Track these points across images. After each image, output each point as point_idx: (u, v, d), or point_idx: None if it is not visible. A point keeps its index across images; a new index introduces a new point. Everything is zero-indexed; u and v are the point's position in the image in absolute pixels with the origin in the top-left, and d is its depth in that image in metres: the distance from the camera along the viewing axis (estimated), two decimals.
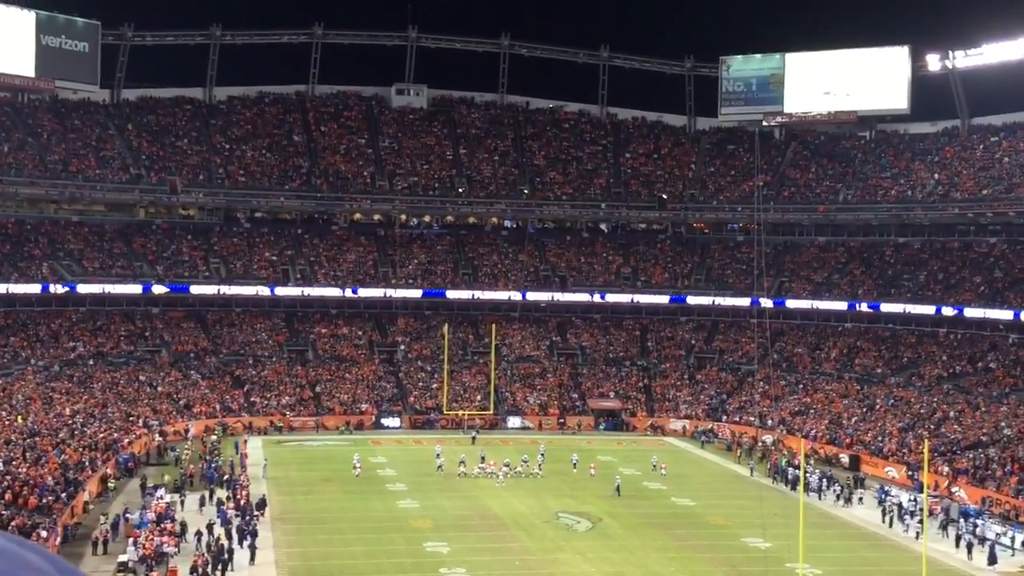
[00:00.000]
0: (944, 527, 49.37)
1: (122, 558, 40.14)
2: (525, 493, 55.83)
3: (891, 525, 50.88)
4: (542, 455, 62.78)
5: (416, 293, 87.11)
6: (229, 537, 43.29)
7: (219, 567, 39.67)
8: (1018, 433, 60.53)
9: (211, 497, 51.15)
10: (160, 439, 64.64)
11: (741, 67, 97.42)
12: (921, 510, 47.15)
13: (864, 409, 71.66)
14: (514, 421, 78.30)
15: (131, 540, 41.64)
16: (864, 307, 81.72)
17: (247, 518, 45.76)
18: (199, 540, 42.58)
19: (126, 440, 59.93)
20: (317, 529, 47.84)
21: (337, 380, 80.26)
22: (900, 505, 52.66)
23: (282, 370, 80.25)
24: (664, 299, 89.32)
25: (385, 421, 76.45)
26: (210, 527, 44.95)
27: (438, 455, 61.96)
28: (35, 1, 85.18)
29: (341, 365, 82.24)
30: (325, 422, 75.05)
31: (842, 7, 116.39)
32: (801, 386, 78.55)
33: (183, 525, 44.54)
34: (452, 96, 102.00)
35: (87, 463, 52.03)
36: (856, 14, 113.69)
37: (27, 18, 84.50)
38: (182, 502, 49.76)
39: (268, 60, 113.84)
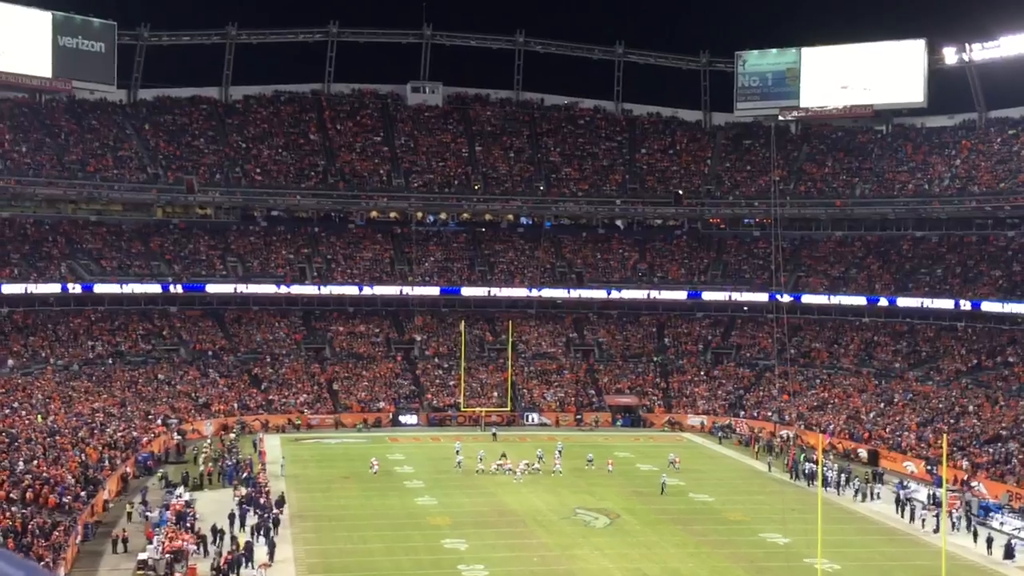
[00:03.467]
0: (968, 522, 49.18)
1: (142, 556, 40.37)
2: (543, 489, 55.86)
3: (912, 520, 50.70)
4: (559, 452, 62.79)
5: (433, 290, 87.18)
6: (253, 533, 43.62)
7: (237, 566, 39.85)
8: None
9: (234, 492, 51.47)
10: (179, 437, 64.88)
11: (757, 62, 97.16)
12: (940, 504, 47.04)
13: (882, 404, 71.45)
14: (532, 418, 78.33)
15: (153, 538, 41.87)
16: (882, 302, 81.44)
17: (266, 515, 45.96)
18: (220, 538, 42.74)
19: (145, 439, 60.20)
20: (336, 526, 47.98)
21: (354, 378, 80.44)
22: (898, 493, 52.54)
23: (300, 368, 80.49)
24: (681, 295, 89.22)
25: (403, 418, 76.57)
26: (231, 517, 45.39)
27: (458, 451, 62.06)
28: (52, 2, 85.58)
29: (358, 363, 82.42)
30: (343, 420, 75.25)
31: (859, 1, 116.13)
32: (819, 381, 78.37)
33: (198, 528, 44.69)
34: (467, 93, 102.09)
35: (107, 462, 52.30)
36: (872, 8, 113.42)
37: (44, 19, 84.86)
38: (187, 500, 49.87)
39: (284, 59, 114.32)
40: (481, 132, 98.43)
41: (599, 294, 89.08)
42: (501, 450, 62.70)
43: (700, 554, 44.40)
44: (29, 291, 75.42)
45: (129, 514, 48.12)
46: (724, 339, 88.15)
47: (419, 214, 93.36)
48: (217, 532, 43.33)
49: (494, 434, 71.04)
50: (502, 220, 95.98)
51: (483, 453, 61.13)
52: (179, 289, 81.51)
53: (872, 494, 55.55)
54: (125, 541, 42.92)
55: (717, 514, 51.88)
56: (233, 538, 42.80)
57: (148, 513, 46.83)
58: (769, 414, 75.34)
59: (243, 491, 50.50)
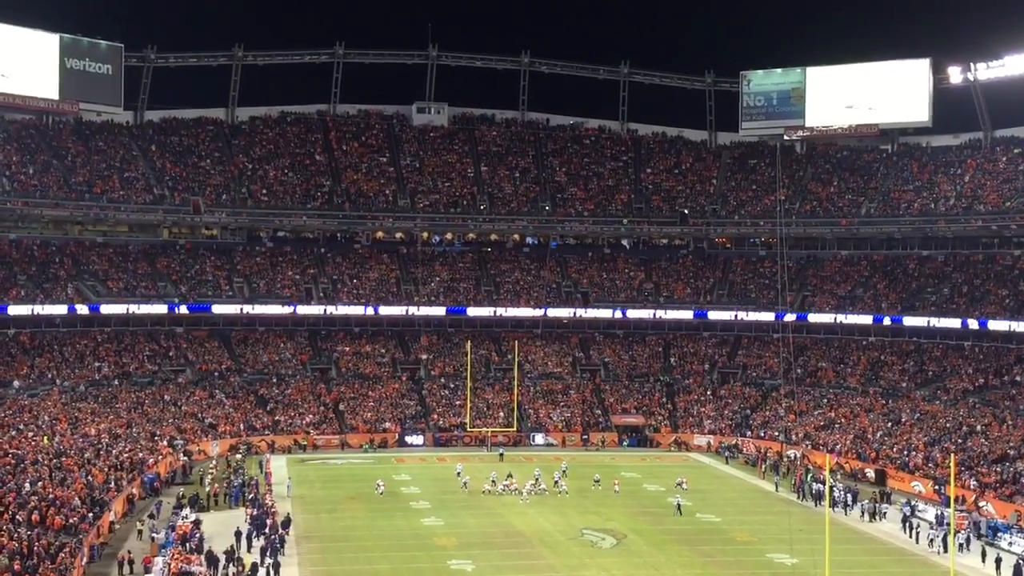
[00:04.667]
0: (967, 541, 48.99)
1: None
2: (549, 510, 55.77)
3: (918, 540, 50.51)
4: (564, 472, 62.95)
5: (438, 311, 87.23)
6: (262, 555, 43.67)
7: None
8: None
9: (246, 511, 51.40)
10: (185, 458, 64.86)
11: (762, 81, 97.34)
12: (948, 524, 46.86)
13: (889, 423, 71.24)
14: (538, 438, 78.22)
15: (159, 559, 41.83)
16: (888, 321, 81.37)
17: (273, 537, 45.91)
18: (228, 559, 42.63)
19: (151, 460, 60.16)
20: (342, 547, 47.94)
21: (360, 398, 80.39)
22: (904, 513, 52.39)
23: (306, 388, 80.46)
24: (687, 314, 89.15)
25: (409, 439, 76.51)
26: (238, 535, 45.56)
27: (459, 473, 62.24)
28: (59, 24, 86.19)
29: (364, 383, 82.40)
30: (349, 440, 75.21)
31: (863, 21, 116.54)
32: (826, 400, 78.17)
33: (207, 553, 44.57)
34: (473, 113, 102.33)
35: (113, 483, 52.26)
36: (877, 27, 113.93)
37: (51, 41, 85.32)
38: (193, 521, 49.85)
39: (290, 80, 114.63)
40: (487, 152, 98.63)
41: (605, 314, 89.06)
42: (508, 470, 62.70)
43: (707, 575, 44.28)
44: (36, 312, 75.60)
45: (140, 532, 48.30)
46: (730, 359, 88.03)
47: (425, 234, 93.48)
48: (231, 556, 43.03)
49: (501, 454, 71.00)
50: (508, 240, 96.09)
51: (495, 475, 61.20)
52: (185, 310, 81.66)
53: (880, 514, 55.36)
54: (131, 563, 42.88)
55: (724, 534, 51.73)
56: (238, 559, 42.71)
57: (154, 534, 46.81)
58: (776, 434, 75.16)
59: (253, 511, 50.58)
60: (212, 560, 42.83)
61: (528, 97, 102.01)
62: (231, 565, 42.15)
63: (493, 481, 60.33)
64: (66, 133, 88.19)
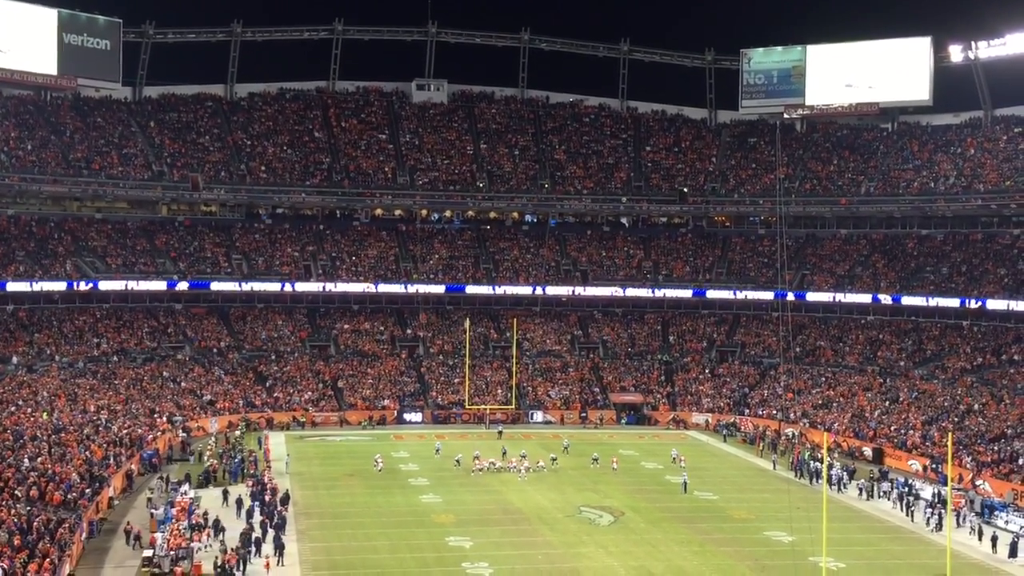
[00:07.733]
0: (963, 518, 49.18)
1: (147, 553, 40.51)
2: (547, 487, 55.90)
3: (912, 518, 50.70)
4: (566, 449, 63.47)
5: (437, 288, 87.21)
6: (263, 529, 43.82)
7: (243, 563, 39.97)
8: None
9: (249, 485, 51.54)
10: (184, 435, 64.98)
11: (762, 59, 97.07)
12: (944, 503, 47.00)
13: (887, 402, 71.38)
14: (537, 416, 78.34)
15: (158, 535, 41.96)
16: (887, 300, 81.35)
17: (273, 511, 46.06)
18: (225, 535, 42.73)
19: (150, 436, 60.25)
20: (340, 523, 48.08)
21: (359, 375, 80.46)
22: (901, 491, 52.59)
23: (304, 366, 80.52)
24: (686, 293, 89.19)
25: (407, 416, 76.63)
26: (239, 503, 46.20)
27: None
28: None
29: (363, 360, 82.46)
30: (347, 417, 75.32)
31: None
32: (824, 379, 78.29)
33: (214, 522, 44.66)
34: (472, 91, 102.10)
35: (112, 459, 52.36)
36: (878, 5, 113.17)
37: (49, 16, 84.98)
38: (192, 497, 50.03)
39: (289, 56, 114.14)
40: (486, 130, 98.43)
41: (604, 292, 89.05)
42: (505, 448, 62.91)
43: (705, 552, 44.45)
44: (34, 288, 75.55)
45: (149, 499, 48.50)
46: (729, 337, 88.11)
47: (424, 212, 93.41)
48: (239, 534, 43.08)
49: (499, 432, 71.12)
50: (507, 218, 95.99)
51: (478, 452, 61.23)
52: (184, 286, 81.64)
53: (876, 492, 55.52)
54: (138, 537, 42.97)
55: (722, 512, 51.90)
56: (243, 534, 42.75)
57: (153, 510, 46.92)
58: (774, 412, 75.30)
59: (254, 483, 50.81)
60: (218, 524, 43.30)
61: (528, 74, 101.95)
62: (225, 537, 42.28)
63: (476, 457, 60.11)
64: (64, 109, 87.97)
